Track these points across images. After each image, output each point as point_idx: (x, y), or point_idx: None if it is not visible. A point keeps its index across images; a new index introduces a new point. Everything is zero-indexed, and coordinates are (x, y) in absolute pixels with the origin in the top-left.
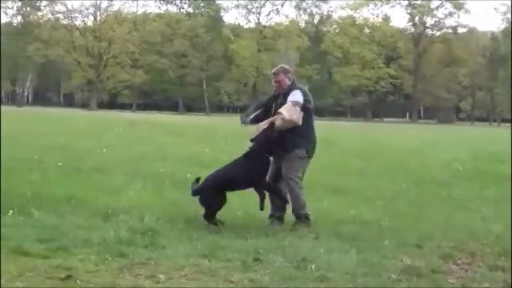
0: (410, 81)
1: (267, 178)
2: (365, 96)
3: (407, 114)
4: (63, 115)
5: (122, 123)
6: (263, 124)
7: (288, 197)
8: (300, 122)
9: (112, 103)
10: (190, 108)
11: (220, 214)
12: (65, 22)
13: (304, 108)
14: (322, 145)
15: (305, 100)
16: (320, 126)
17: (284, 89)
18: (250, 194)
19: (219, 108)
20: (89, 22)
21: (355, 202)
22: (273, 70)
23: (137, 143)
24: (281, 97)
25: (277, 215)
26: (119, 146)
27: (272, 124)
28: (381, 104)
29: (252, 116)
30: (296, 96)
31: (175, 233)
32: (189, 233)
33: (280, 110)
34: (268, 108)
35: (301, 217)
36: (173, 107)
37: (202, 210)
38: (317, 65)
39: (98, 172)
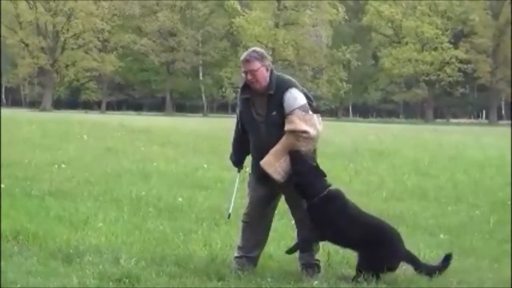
0: (488, 66)
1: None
2: (424, 89)
3: (483, 113)
4: (5, 117)
5: (88, 128)
6: (273, 161)
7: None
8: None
9: (73, 101)
10: (182, 107)
11: (225, 253)
12: None
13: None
14: (367, 157)
15: (306, 96)
16: (364, 130)
17: (264, 86)
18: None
19: (221, 106)
20: None
21: (410, 235)
22: (244, 56)
23: (109, 156)
24: (262, 100)
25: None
26: (83, 160)
27: (294, 152)
28: (446, 99)
29: (236, 154)
30: (297, 96)
31: (162, 280)
32: (182, 280)
33: (295, 127)
34: (249, 124)
35: (314, 266)
36: (157, 106)
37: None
38: (358, 45)
39: (55, 197)
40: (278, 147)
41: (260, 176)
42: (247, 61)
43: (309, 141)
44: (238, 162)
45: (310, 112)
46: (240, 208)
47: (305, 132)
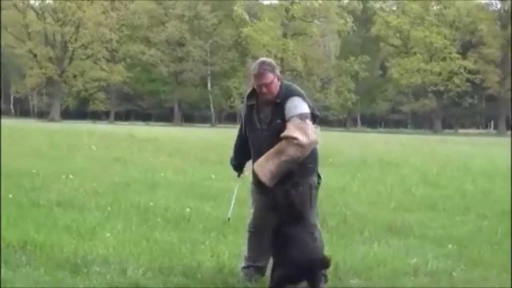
0: (496, 76)
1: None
2: (432, 99)
3: (491, 123)
4: (13, 128)
5: (96, 138)
6: (263, 162)
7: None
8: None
9: (81, 111)
10: (190, 117)
11: (232, 263)
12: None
13: (313, 117)
14: (375, 168)
15: (310, 107)
16: (372, 140)
17: (274, 95)
18: None
19: (229, 116)
20: None
21: (419, 246)
22: (257, 69)
23: (117, 166)
24: (268, 108)
25: (257, 264)
26: (91, 170)
27: (279, 154)
28: (454, 110)
29: (237, 158)
30: (298, 105)
31: None
32: None
33: (288, 133)
34: (251, 130)
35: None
36: (166, 116)
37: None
38: (366, 56)
39: (63, 207)
40: (270, 150)
41: (259, 183)
42: (261, 74)
43: (298, 148)
44: (238, 166)
45: (308, 121)
46: (244, 216)
47: (295, 138)
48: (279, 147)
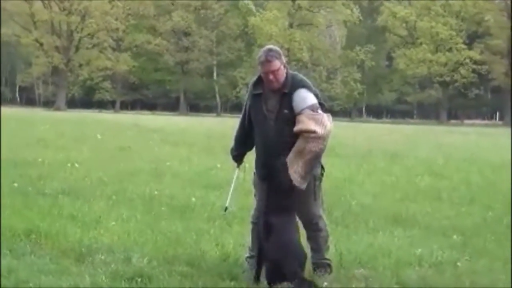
0: (502, 67)
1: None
2: (438, 90)
3: (497, 115)
4: (19, 117)
5: (102, 127)
6: (290, 168)
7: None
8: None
9: (87, 100)
10: (195, 107)
11: (237, 253)
12: None
13: (320, 107)
14: (380, 158)
15: (317, 96)
16: (378, 131)
17: (280, 83)
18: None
19: (235, 106)
20: None
21: (423, 236)
22: (264, 57)
23: (122, 155)
24: (275, 97)
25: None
26: (97, 159)
27: (301, 154)
28: (460, 101)
29: (238, 148)
30: (307, 96)
31: (174, 279)
32: (194, 279)
33: (304, 126)
34: (258, 120)
35: (325, 265)
36: (171, 106)
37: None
38: (372, 46)
39: (68, 196)
40: (290, 155)
41: (264, 175)
42: (268, 61)
43: (318, 141)
44: (238, 156)
45: (320, 111)
46: (249, 206)
47: (313, 132)
48: (298, 147)
